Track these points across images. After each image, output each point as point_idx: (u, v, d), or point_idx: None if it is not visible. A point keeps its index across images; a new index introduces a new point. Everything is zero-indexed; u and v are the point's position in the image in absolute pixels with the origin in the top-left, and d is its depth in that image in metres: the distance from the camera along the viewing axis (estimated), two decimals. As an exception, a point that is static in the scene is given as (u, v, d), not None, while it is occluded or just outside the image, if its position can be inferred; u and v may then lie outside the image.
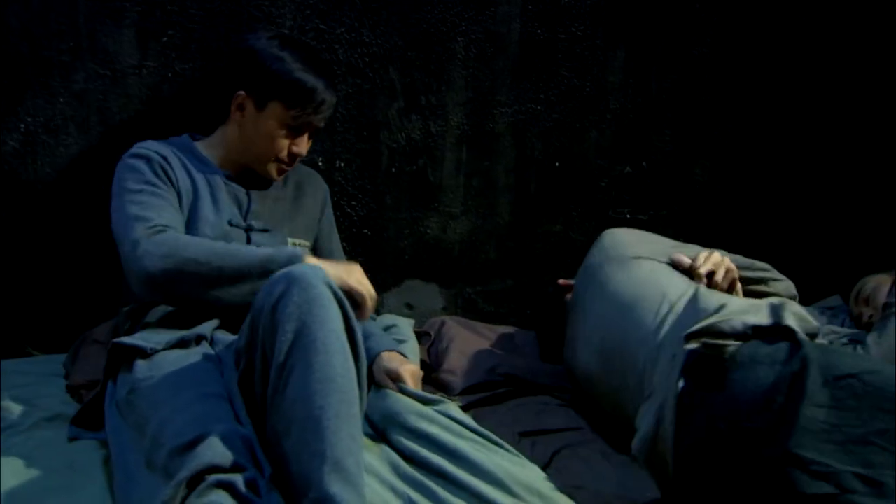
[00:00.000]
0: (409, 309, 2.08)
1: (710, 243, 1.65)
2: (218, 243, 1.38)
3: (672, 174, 2.25)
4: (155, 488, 1.04)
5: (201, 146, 1.59)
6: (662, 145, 2.22)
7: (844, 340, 1.62)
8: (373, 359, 1.47)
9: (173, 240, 1.35)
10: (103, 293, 1.70)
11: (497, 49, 2.00)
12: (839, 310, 2.09)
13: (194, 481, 0.99)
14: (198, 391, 1.18)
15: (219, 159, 1.58)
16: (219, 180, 1.55)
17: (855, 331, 1.76)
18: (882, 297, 1.81)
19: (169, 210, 1.43)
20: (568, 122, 2.11)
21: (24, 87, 1.64)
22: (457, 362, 1.79)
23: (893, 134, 2.36)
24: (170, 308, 1.44)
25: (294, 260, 1.31)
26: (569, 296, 1.80)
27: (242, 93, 1.53)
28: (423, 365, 1.75)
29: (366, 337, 1.43)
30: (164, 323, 1.43)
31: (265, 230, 1.56)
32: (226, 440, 1.05)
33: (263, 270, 1.30)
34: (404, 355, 1.50)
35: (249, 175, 1.60)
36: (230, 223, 1.52)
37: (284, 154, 1.56)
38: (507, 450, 1.25)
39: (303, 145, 1.58)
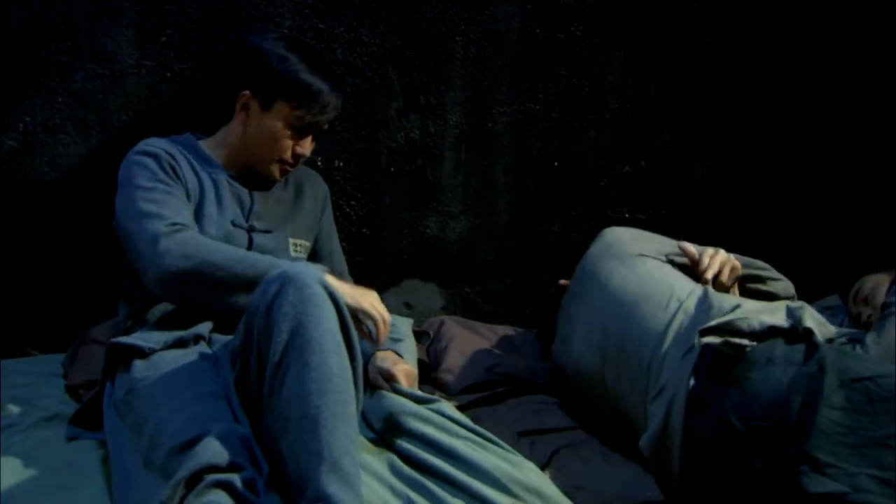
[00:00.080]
0: (408, 308, 2.08)
1: (709, 243, 1.64)
2: (239, 250, 1.38)
3: (671, 174, 2.25)
4: (153, 488, 1.04)
5: (205, 145, 1.59)
6: (661, 145, 2.22)
7: (843, 340, 1.61)
8: (367, 358, 1.47)
9: (194, 241, 1.34)
10: (102, 293, 1.70)
11: (496, 49, 2.00)
12: (838, 309, 2.08)
13: (193, 481, 0.99)
14: (196, 391, 1.18)
15: (222, 159, 1.58)
16: (223, 180, 1.55)
17: (854, 330, 1.75)
18: (881, 296, 1.81)
19: (184, 209, 1.43)
20: (567, 122, 2.11)
21: (23, 86, 1.63)
22: (455, 362, 1.80)
23: (893, 134, 2.36)
24: (170, 308, 1.44)
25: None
26: (568, 296, 1.80)
27: (247, 92, 1.53)
28: (422, 364, 1.74)
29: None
30: (164, 322, 1.43)
31: (267, 231, 1.56)
32: (224, 440, 1.05)
33: None
34: (399, 354, 1.50)
35: (252, 175, 1.60)
36: (233, 223, 1.52)
37: (288, 155, 1.56)
38: (503, 448, 1.25)
39: (306, 147, 1.57)
